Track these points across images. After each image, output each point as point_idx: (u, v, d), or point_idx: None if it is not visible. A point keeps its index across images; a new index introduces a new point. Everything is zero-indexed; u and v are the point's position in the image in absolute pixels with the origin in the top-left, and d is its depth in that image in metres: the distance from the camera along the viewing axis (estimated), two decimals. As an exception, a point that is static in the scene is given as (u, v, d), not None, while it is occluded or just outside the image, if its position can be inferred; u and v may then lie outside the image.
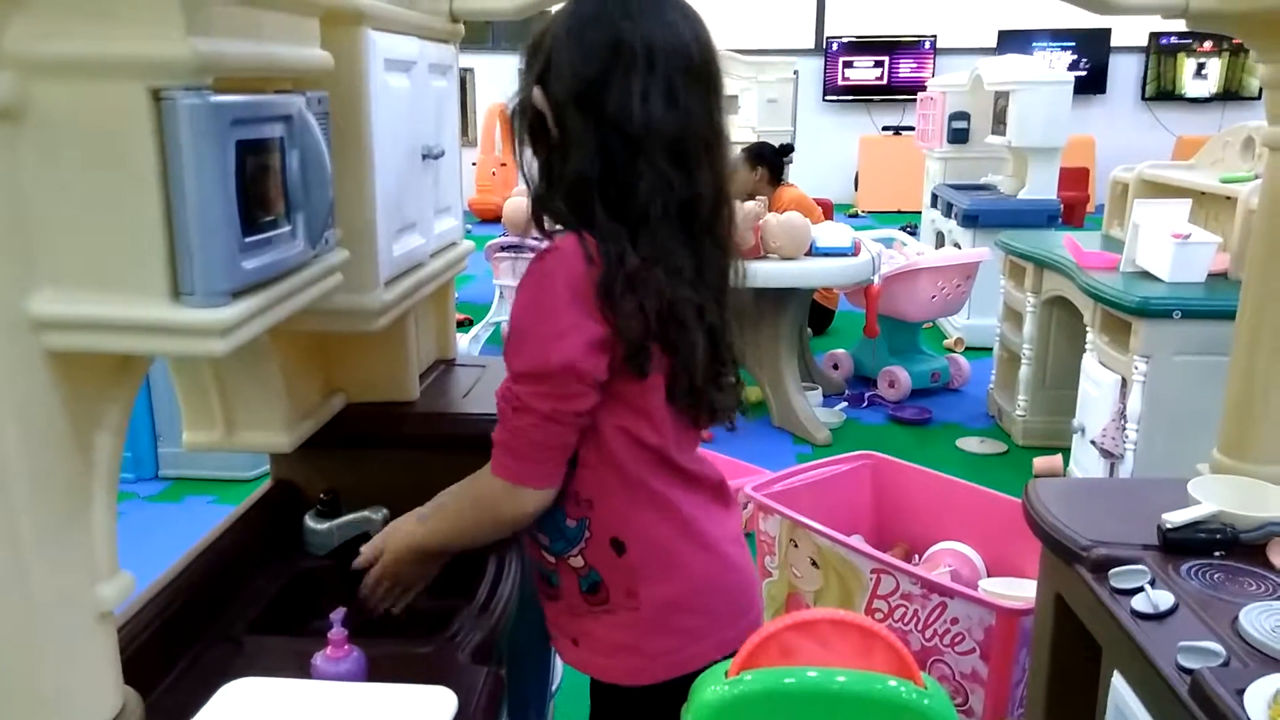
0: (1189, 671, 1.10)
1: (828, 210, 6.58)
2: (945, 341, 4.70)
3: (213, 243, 0.81)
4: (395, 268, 1.28)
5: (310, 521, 1.35)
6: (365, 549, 1.17)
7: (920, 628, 1.88)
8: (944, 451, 3.46)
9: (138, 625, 1.02)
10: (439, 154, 1.41)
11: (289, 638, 1.19)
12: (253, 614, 1.20)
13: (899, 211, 8.38)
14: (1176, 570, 1.31)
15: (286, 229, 0.96)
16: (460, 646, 1.14)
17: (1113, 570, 1.31)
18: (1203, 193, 2.94)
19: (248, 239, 0.86)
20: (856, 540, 2.19)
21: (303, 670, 1.01)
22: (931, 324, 4.87)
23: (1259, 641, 1.13)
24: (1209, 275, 2.64)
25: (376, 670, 1.04)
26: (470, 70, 9.84)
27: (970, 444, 3.52)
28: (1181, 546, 1.35)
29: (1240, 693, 1.02)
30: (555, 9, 1.08)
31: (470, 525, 1.14)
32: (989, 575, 2.15)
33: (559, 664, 1.70)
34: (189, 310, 0.77)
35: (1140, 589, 1.26)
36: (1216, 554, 1.35)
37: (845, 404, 3.94)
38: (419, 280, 1.37)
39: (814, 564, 2.09)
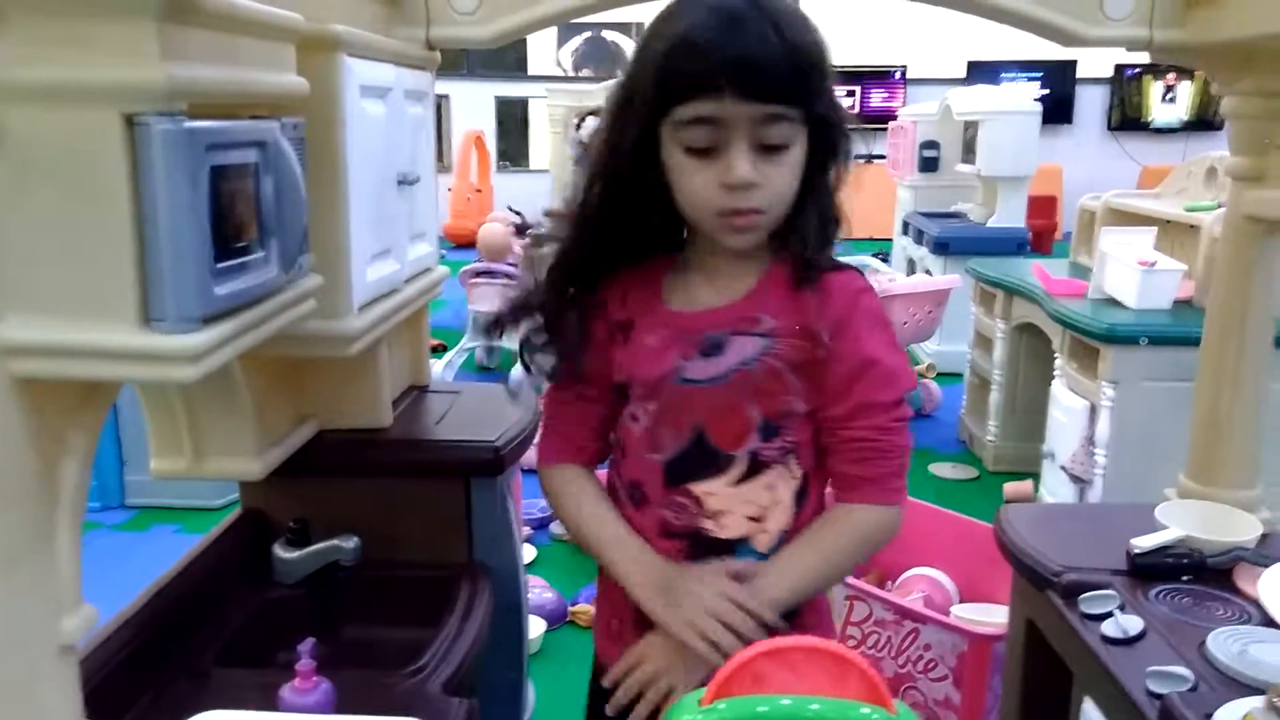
0: (1158, 696, 1.11)
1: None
2: (917, 368, 4.74)
3: (184, 268, 0.80)
4: (369, 293, 1.27)
5: (280, 550, 1.34)
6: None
7: (894, 654, 1.89)
8: (916, 477, 3.47)
9: (100, 659, 1.00)
10: (414, 180, 1.42)
11: (257, 670, 1.17)
12: (220, 646, 1.19)
13: (871, 239, 8.46)
14: (1145, 595, 1.33)
15: (260, 254, 0.95)
16: (431, 677, 1.12)
17: (1082, 595, 1.32)
18: (1168, 221, 2.99)
19: (220, 265, 0.86)
20: (830, 566, 2.19)
21: (270, 703, 0.99)
22: (905, 350, 4.91)
23: (1226, 666, 1.14)
24: (1175, 302, 2.69)
25: (346, 702, 1.03)
26: (445, 97, 9.88)
27: (942, 469, 3.55)
28: (1150, 571, 1.37)
29: (1208, 717, 1.03)
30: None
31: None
32: (961, 601, 2.16)
33: (531, 693, 1.68)
34: (159, 336, 0.77)
35: (1110, 614, 1.28)
36: (1184, 578, 1.36)
37: (818, 429, 3.96)
38: (393, 306, 1.36)
39: (788, 590, 2.08)
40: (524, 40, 10.94)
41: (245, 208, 0.93)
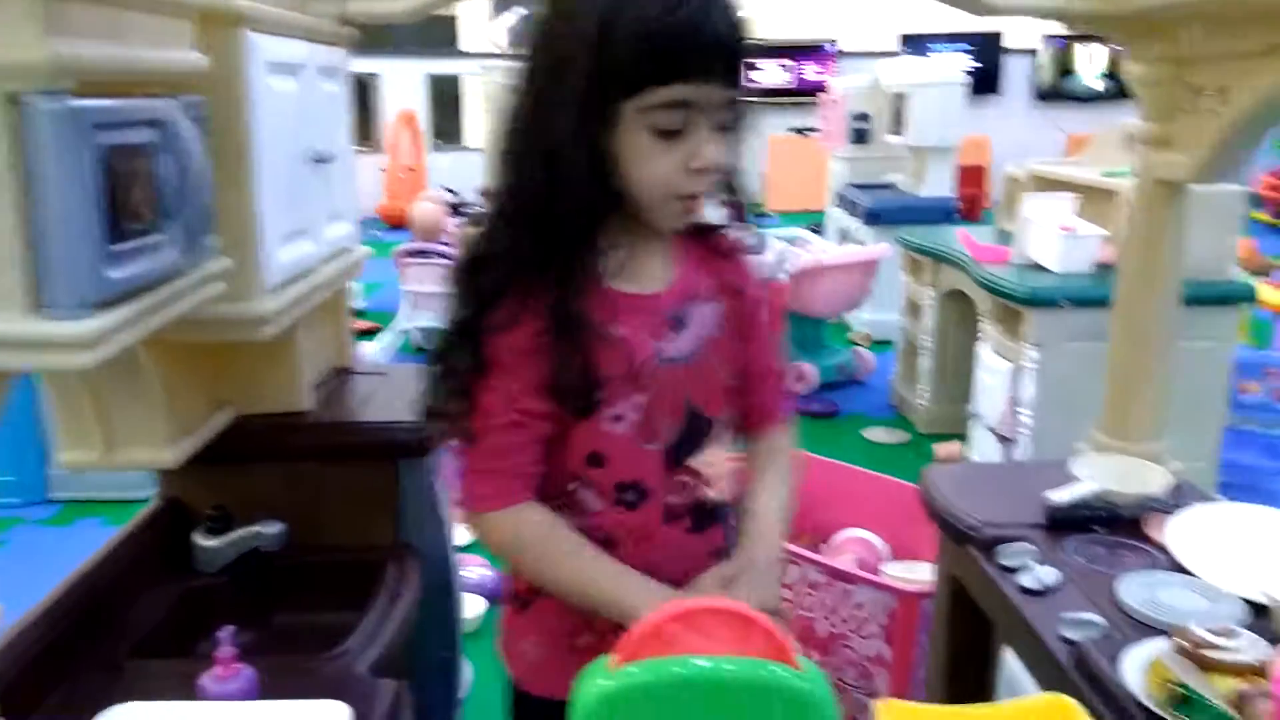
0: (1072, 643, 1.15)
1: (738, 211, 6.67)
2: (851, 335, 4.81)
3: (75, 252, 0.78)
4: (283, 274, 1.25)
5: (199, 539, 1.31)
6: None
7: (826, 614, 1.92)
8: (851, 442, 3.54)
9: (9, 657, 0.98)
10: (329, 158, 1.39)
11: (177, 660, 1.15)
12: (138, 638, 1.16)
13: (807, 211, 8.54)
14: (1061, 547, 1.37)
15: (159, 237, 0.93)
16: (358, 660, 1.12)
17: (1001, 549, 1.36)
18: (1089, 187, 3.07)
19: (114, 248, 0.83)
20: (766, 533, 2.22)
21: (189, 693, 0.98)
22: (838, 319, 4.98)
23: (1135, 611, 1.19)
24: (1096, 266, 2.76)
25: (270, 688, 1.02)
26: (375, 75, 9.68)
27: (876, 434, 3.61)
28: (1065, 524, 1.41)
29: (1118, 659, 1.07)
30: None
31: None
32: (893, 560, 2.21)
33: (468, 672, 1.68)
34: (50, 323, 0.75)
35: (1027, 566, 1.32)
36: (1098, 529, 1.41)
37: (757, 400, 4.00)
38: (310, 287, 1.34)
39: (725, 559, 2.11)
40: (454, 16, 10.76)
41: (142, 189, 0.90)
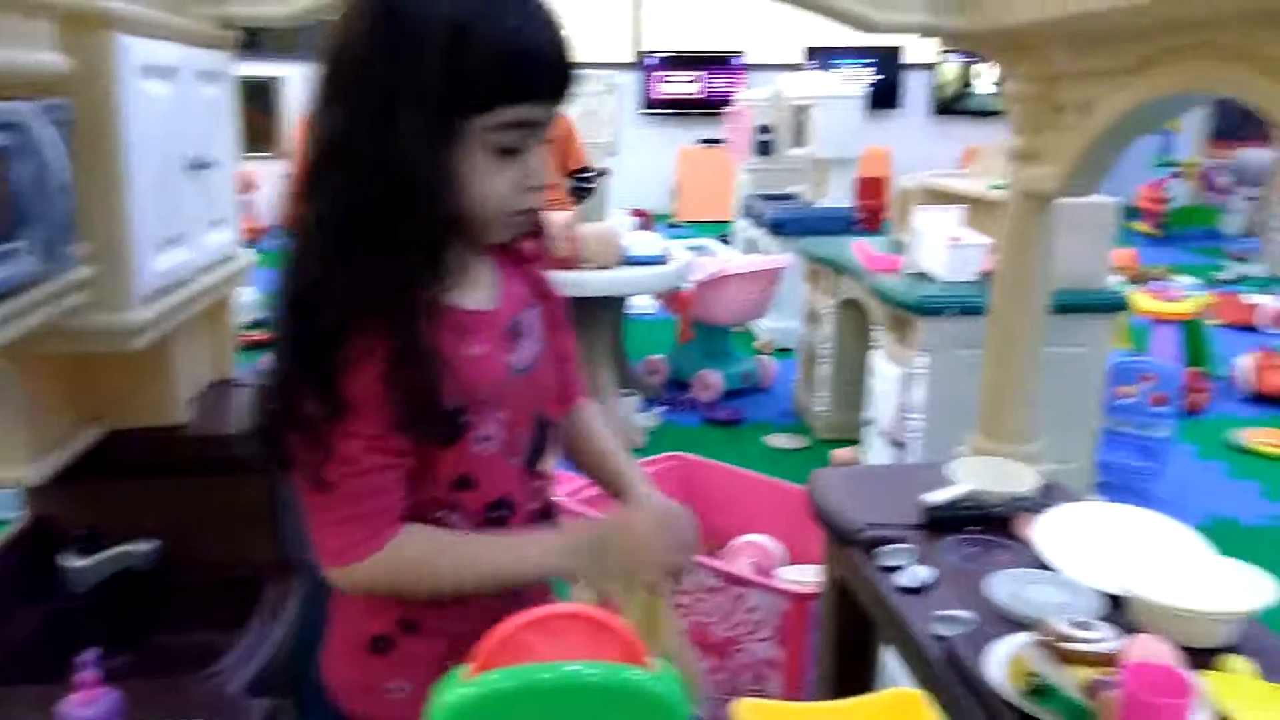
0: (943, 639, 1.19)
1: (647, 221, 6.73)
2: (755, 344, 4.89)
3: (-86, 260, 0.74)
4: (158, 283, 1.21)
5: (68, 559, 1.26)
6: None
7: (722, 619, 1.95)
8: (753, 449, 3.60)
9: None
10: (208, 164, 1.35)
11: (40, 686, 1.10)
12: (-2, 662, 1.11)
13: (717, 221, 8.65)
14: (937, 546, 1.42)
15: (13, 245, 0.90)
16: (232, 679, 1.09)
17: (881, 550, 1.41)
18: (976, 199, 3.19)
19: (-39, 256, 0.80)
20: (666, 540, 2.24)
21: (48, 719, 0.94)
22: (743, 327, 5.06)
23: (1002, 606, 1.24)
24: (982, 274, 2.87)
25: (137, 712, 0.98)
26: (279, 79, 9.44)
27: (778, 440, 3.68)
28: (941, 524, 1.47)
29: (984, 654, 1.12)
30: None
31: None
32: (790, 564, 2.25)
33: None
34: (-114, 334, 0.71)
35: (904, 566, 1.37)
36: (971, 528, 1.47)
37: (664, 408, 4.03)
38: (187, 296, 1.30)
39: (624, 566, 2.12)
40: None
41: (-7, 195, 0.87)
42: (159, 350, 1.30)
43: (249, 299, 5.45)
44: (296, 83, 9.33)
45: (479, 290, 0.96)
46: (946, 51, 9.88)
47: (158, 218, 1.22)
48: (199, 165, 1.34)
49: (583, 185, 4.35)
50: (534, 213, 0.93)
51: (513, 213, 0.91)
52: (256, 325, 5.32)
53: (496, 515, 0.96)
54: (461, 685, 0.61)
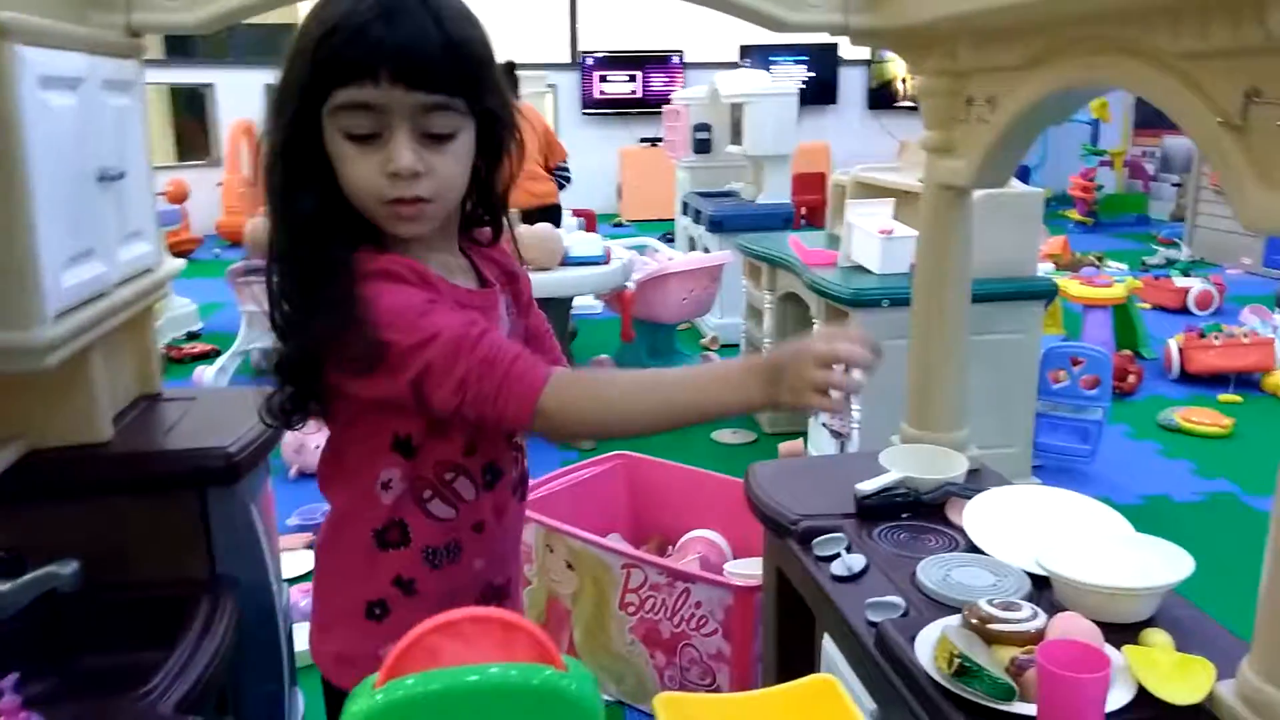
0: (875, 625, 1.21)
1: (591, 221, 6.73)
2: (702, 341, 4.92)
3: None
4: (68, 300, 1.18)
5: (-13, 584, 1.22)
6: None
7: (669, 615, 1.96)
8: (700, 444, 3.62)
9: None
10: (119, 175, 1.32)
11: (-44, 715, 1.07)
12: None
13: (660, 220, 8.68)
14: (870, 534, 1.45)
15: (-94, 263, 0.87)
16: (162, 699, 1.07)
17: (815, 540, 1.43)
18: (905, 191, 3.24)
19: None
20: (613, 539, 2.25)
21: (-38, 749, 0.91)
22: (689, 325, 5.08)
23: (932, 591, 1.26)
24: (913, 266, 2.92)
25: (59, 736, 0.96)
26: (210, 85, 9.26)
27: (724, 435, 3.71)
28: (874, 512, 1.49)
29: (914, 638, 1.14)
30: None
31: None
32: (735, 558, 2.27)
33: (300, 702, 1.63)
34: None
35: (838, 555, 1.38)
36: (904, 516, 1.50)
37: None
38: (102, 311, 1.27)
39: (569, 566, 2.12)
40: (296, 25, 10.36)
41: (-118, 212, 0.84)
42: (77, 366, 1.27)
43: (184, 311, 5.37)
44: (229, 89, 9.17)
45: (462, 275, 1.03)
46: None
47: (66, 232, 1.18)
48: (110, 176, 1.31)
49: (563, 179, 4.86)
50: (409, 203, 0.93)
51: (382, 200, 0.93)
52: (192, 338, 5.23)
53: (488, 479, 1.04)
54: (369, 695, 0.60)
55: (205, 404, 1.55)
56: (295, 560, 2.71)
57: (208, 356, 4.74)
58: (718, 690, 1.92)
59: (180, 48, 9.52)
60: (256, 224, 4.46)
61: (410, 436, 0.97)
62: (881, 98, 10.42)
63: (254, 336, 4.35)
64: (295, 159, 0.92)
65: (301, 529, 2.90)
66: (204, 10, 1.39)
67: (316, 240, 0.92)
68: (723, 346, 4.78)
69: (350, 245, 0.94)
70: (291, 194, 0.93)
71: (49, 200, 1.14)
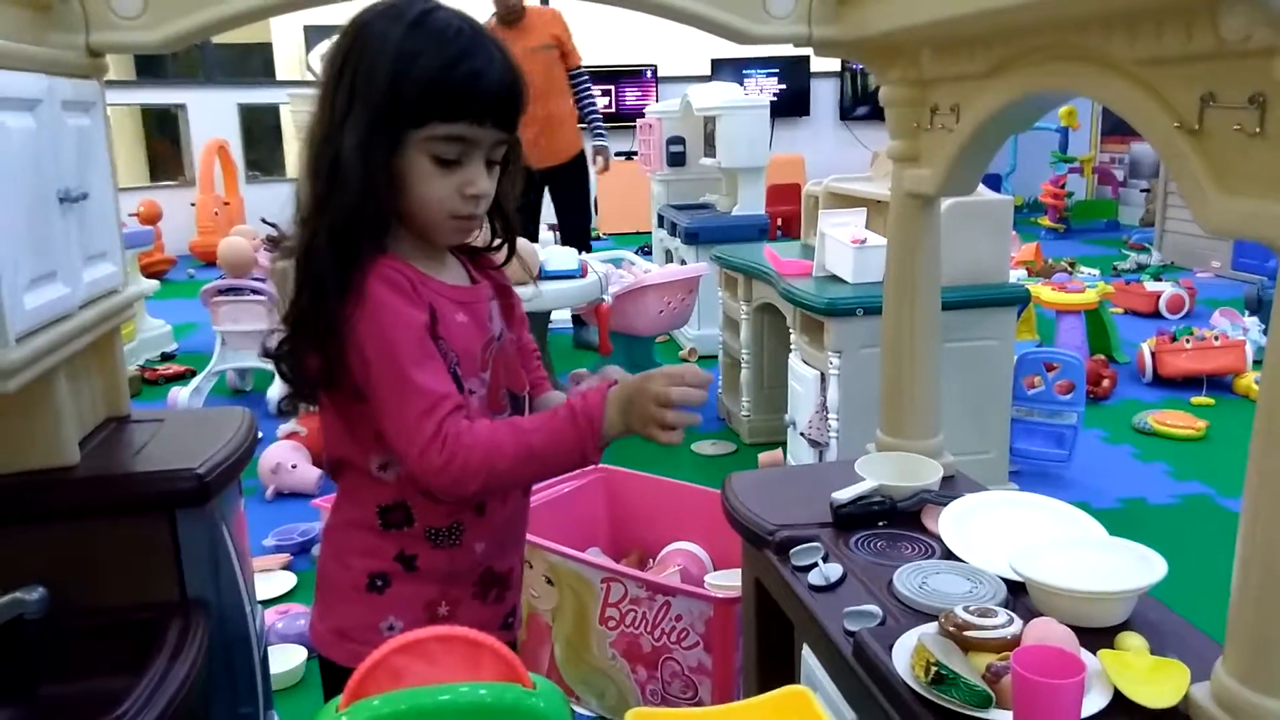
0: (852, 634, 1.21)
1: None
2: (680, 353, 4.92)
3: None
4: (29, 322, 1.16)
5: (-54, 614, 1.20)
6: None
7: (650, 628, 1.95)
8: (682, 456, 3.61)
9: None
10: (80, 196, 1.30)
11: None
12: None
13: (637, 232, 8.70)
14: (847, 543, 1.44)
15: None
16: (129, 726, 1.05)
17: (792, 550, 1.42)
18: (878, 201, 3.26)
19: None
20: (592, 553, 2.24)
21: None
22: (667, 337, 5.09)
23: (909, 599, 1.26)
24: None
25: (22, 768, 0.94)
26: (182, 106, 9.20)
27: (704, 447, 3.70)
28: (850, 521, 1.49)
29: (891, 647, 1.14)
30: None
31: None
32: (717, 570, 2.27)
33: (275, 725, 1.61)
34: None
35: (815, 564, 1.38)
36: (880, 524, 1.50)
37: (589, 422, 4.03)
38: (66, 333, 1.25)
39: (549, 582, 2.11)
40: (270, 44, 10.35)
41: None
42: (41, 389, 1.25)
43: (158, 332, 5.32)
44: (201, 109, 9.12)
45: (443, 270, 1.14)
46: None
47: (27, 254, 1.16)
48: (72, 198, 1.29)
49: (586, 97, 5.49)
50: (473, 219, 1.09)
51: (452, 215, 1.07)
52: (167, 359, 5.18)
53: None
54: (336, 716, 0.59)
55: (174, 425, 1.53)
56: (272, 582, 2.68)
57: (183, 378, 4.70)
58: (700, 703, 1.91)
59: (151, 68, 9.47)
60: (230, 244, 4.43)
61: None
62: (855, 109, 10.50)
63: (229, 357, 4.32)
64: (364, 164, 1.01)
65: (279, 549, 2.87)
66: (165, 30, 1.38)
67: (350, 234, 1.02)
68: (701, 357, 4.79)
69: (377, 241, 1.05)
70: (346, 193, 1.01)
71: (8, 222, 1.12)
